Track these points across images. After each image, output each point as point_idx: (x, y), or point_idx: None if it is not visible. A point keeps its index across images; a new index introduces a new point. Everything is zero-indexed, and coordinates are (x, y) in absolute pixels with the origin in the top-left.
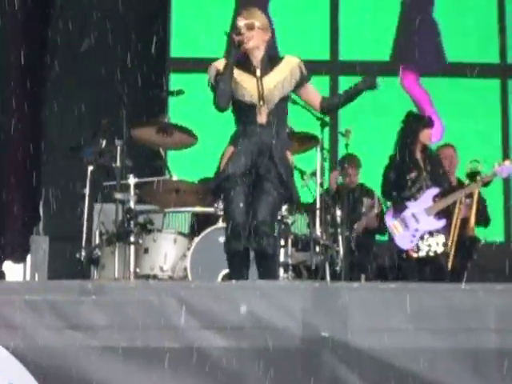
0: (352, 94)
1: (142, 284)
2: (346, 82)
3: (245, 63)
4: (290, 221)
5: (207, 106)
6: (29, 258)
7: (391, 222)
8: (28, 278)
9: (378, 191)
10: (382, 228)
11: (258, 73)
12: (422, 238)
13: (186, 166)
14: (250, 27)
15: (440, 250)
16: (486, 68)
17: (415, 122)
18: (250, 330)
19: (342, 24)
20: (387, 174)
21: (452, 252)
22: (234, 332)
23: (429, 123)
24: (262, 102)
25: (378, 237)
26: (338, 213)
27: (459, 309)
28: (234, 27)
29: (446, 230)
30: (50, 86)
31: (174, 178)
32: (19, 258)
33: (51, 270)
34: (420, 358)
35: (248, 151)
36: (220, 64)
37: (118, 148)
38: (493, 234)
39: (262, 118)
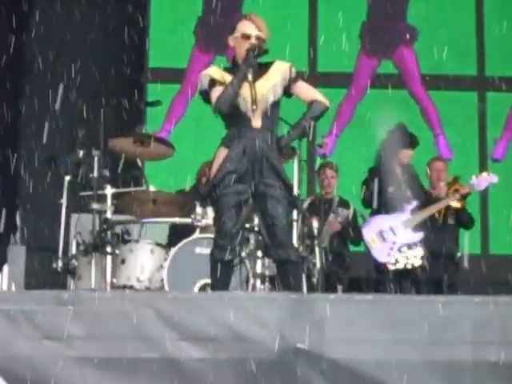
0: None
1: (119, 294)
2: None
3: (236, 69)
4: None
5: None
6: (5, 268)
7: (368, 234)
8: (5, 288)
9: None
10: (356, 237)
11: (250, 78)
12: (399, 250)
13: (163, 176)
14: (259, 38)
15: (417, 263)
16: (464, 80)
17: (398, 139)
18: (226, 341)
19: (320, 35)
20: (368, 185)
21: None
22: (210, 343)
23: (412, 144)
24: (254, 106)
25: (351, 247)
26: (315, 224)
27: (435, 321)
28: (243, 32)
29: (423, 243)
30: (26, 96)
31: (151, 188)
32: None
33: (28, 280)
34: (395, 370)
35: (243, 154)
36: (213, 71)
37: (96, 158)
38: (470, 246)
39: (256, 122)
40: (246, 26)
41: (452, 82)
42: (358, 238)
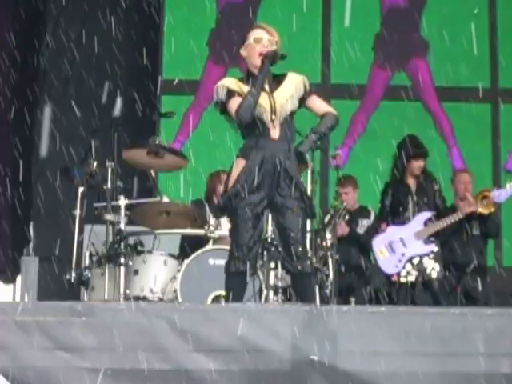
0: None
1: (132, 306)
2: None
3: (252, 80)
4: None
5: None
6: (19, 278)
7: (377, 246)
8: (18, 298)
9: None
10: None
11: (267, 88)
12: (411, 262)
13: (177, 187)
14: (272, 43)
15: (433, 275)
16: (477, 92)
17: (407, 151)
18: (239, 353)
19: (333, 47)
20: (382, 200)
21: None
22: (223, 354)
23: (420, 155)
24: (273, 116)
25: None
26: (328, 236)
27: (448, 333)
28: (254, 37)
29: (442, 256)
30: (41, 107)
31: (165, 199)
32: (9, 279)
33: (41, 291)
34: (409, 382)
35: (261, 165)
36: (229, 82)
37: (109, 169)
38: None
39: (274, 133)
40: (256, 33)
41: (465, 93)
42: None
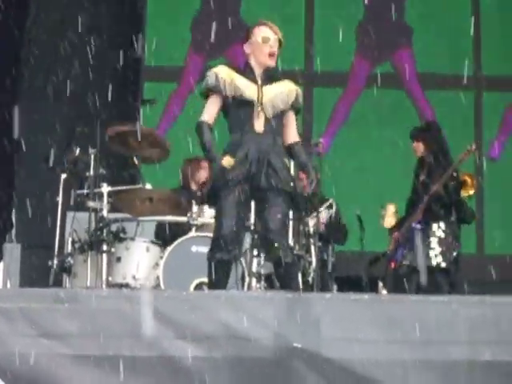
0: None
1: (115, 293)
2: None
3: (246, 71)
4: None
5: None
6: (1, 265)
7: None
8: (0, 285)
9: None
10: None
11: (259, 82)
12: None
13: (159, 175)
14: (277, 42)
15: (434, 262)
16: (460, 80)
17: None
18: (222, 340)
19: (316, 34)
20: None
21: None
22: (206, 341)
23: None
24: (260, 108)
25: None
26: (311, 223)
27: (431, 320)
28: (263, 36)
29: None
30: (23, 93)
31: (148, 186)
32: None
33: (23, 277)
34: (391, 370)
35: (246, 159)
36: (220, 70)
37: (92, 156)
38: (465, 245)
39: (259, 127)
40: (263, 31)
41: (448, 81)
42: (343, 238)
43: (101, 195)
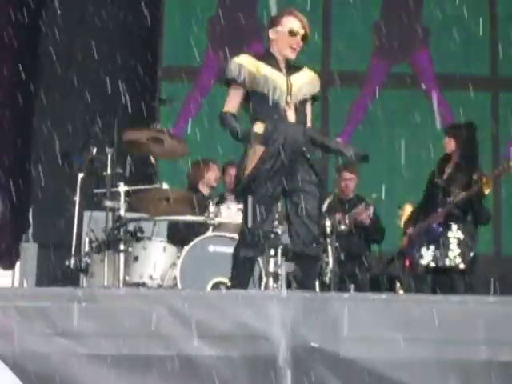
0: (334, 151)
1: (133, 292)
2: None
3: (271, 60)
4: (279, 231)
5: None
6: (18, 264)
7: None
8: (17, 284)
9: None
10: (377, 236)
11: (284, 71)
12: (427, 247)
13: (177, 174)
14: (305, 37)
15: (448, 263)
16: (477, 80)
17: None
18: (239, 339)
19: (334, 33)
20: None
21: None
22: (223, 341)
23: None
24: (289, 98)
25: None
26: (328, 223)
27: (449, 320)
28: (290, 29)
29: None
30: (41, 93)
31: (165, 186)
32: (8, 265)
33: (40, 277)
34: (410, 369)
35: (280, 151)
36: (243, 60)
37: (109, 156)
38: (482, 246)
39: (291, 116)
40: (291, 22)
41: (465, 81)
42: (380, 237)
43: (118, 194)
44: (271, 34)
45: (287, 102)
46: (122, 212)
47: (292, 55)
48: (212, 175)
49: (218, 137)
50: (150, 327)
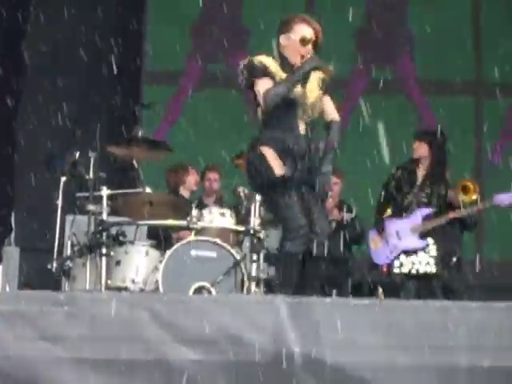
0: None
1: (114, 296)
2: None
3: (286, 67)
4: (262, 235)
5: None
6: (0, 268)
7: (372, 235)
8: None
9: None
10: (355, 239)
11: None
12: (405, 254)
13: (160, 178)
14: (316, 44)
15: (429, 269)
16: (461, 85)
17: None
18: (221, 344)
19: None
20: (386, 189)
21: None
22: (205, 345)
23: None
24: (306, 108)
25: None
26: None
27: (431, 326)
28: (302, 37)
29: (439, 250)
30: (23, 97)
31: (147, 190)
32: None
33: (23, 280)
34: (391, 375)
35: (292, 157)
36: (268, 61)
37: (92, 159)
38: (464, 249)
39: (302, 129)
40: (304, 30)
41: (449, 87)
42: (358, 240)
43: (100, 198)
44: (282, 39)
45: (302, 112)
46: (104, 216)
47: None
48: (192, 179)
49: (200, 139)
50: (132, 331)
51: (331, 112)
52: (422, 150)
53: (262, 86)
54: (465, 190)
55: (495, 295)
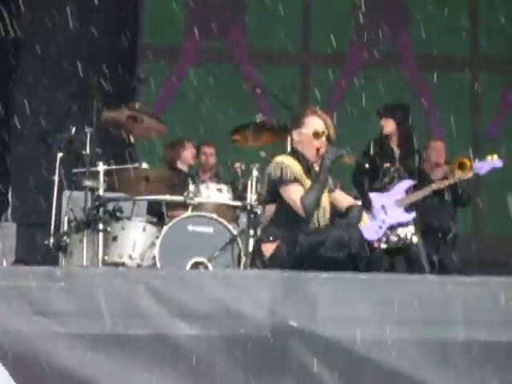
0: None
1: (111, 271)
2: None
3: (305, 168)
4: (258, 211)
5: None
6: None
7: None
8: None
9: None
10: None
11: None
12: (391, 229)
13: (156, 154)
14: (329, 138)
15: (413, 240)
16: (458, 61)
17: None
18: (218, 318)
19: (314, 14)
20: (360, 163)
21: None
22: (202, 320)
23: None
24: (320, 212)
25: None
26: None
27: (428, 300)
28: (314, 131)
29: (417, 221)
30: (19, 72)
31: (144, 165)
32: None
33: (19, 256)
34: (387, 349)
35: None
36: (296, 169)
37: (88, 135)
38: (461, 225)
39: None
40: (314, 122)
41: (446, 62)
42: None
43: (97, 174)
44: (295, 135)
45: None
46: (101, 192)
47: (317, 158)
48: (188, 153)
49: (196, 116)
50: (129, 307)
51: (347, 200)
52: (389, 126)
53: (294, 193)
54: (461, 166)
55: (491, 271)
